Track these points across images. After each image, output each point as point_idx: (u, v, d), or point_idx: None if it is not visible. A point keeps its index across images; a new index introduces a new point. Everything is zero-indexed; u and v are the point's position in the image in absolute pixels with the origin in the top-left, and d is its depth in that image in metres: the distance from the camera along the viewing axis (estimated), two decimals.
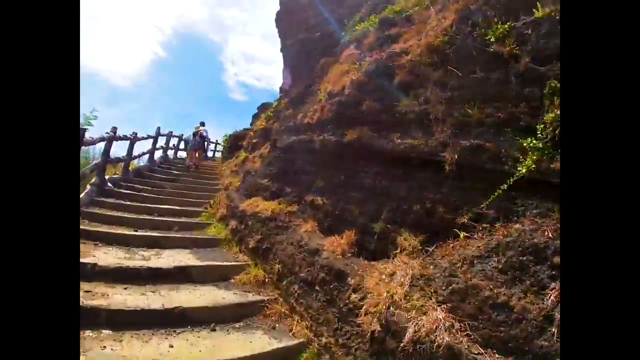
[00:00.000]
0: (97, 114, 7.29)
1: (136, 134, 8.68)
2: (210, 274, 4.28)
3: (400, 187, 3.26)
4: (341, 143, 3.99)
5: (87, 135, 5.55)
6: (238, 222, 5.59)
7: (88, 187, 6.50)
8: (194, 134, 11.93)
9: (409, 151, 3.21)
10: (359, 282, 2.86)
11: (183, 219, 6.42)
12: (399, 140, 3.33)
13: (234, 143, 12.21)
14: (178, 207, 6.95)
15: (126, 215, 5.88)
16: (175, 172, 10.31)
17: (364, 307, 2.64)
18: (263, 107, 17.36)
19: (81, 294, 3.15)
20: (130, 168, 8.74)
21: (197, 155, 11.83)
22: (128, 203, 6.55)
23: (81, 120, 6.34)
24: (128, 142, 8.39)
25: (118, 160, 7.94)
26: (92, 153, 9.91)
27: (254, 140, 9.11)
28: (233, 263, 4.74)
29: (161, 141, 11.72)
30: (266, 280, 4.24)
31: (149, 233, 5.32)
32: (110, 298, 3.22)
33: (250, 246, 4.91)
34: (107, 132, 7.08)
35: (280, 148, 5.76)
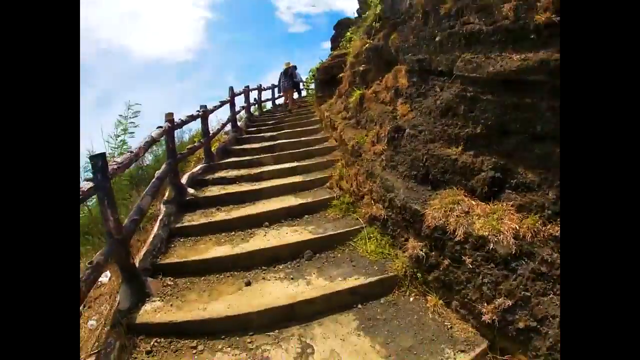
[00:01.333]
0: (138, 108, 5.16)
1: (205, 107, 6.29)
2: None
3: None
4: None
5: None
6: (427, 246, 2.85)
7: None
8: (284, 73, 10.73)
9: None
10: None
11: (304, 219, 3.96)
12: None
13: (325, 77, 9.13)
14: (283, 205, 4.49)
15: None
16: (268, 133, 7.87)
17: None
18: (342, 25, 13.92)
19: None
20: (213, 150, 6.57)
21: (290, 97, 10.99)
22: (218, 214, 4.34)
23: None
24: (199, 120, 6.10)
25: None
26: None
27: (360, 68, 5.91)
28: None
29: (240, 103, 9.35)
30: None
31: None
32: None
33: (481, 314, 2.20)
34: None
35: (462, 78, 2.64)
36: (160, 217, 4.27)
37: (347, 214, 4.07)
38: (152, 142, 3.89)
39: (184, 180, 5.23)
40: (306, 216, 4.21)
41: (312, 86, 13.43)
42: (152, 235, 3.92)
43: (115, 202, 2.94)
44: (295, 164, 5.74)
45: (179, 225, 4.21)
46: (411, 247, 2.95)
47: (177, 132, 8.05)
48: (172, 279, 3.42)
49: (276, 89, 13.08)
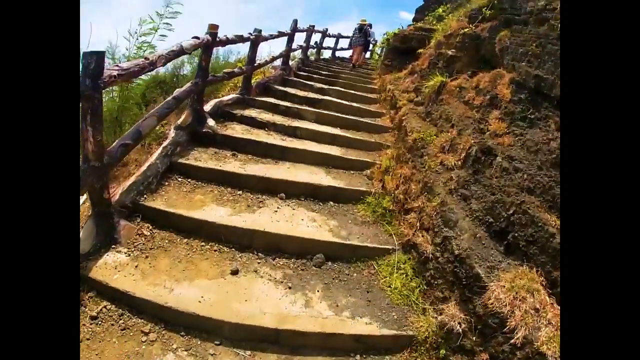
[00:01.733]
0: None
1: (260, 31, 5.31)
2: None
3: None
4: None
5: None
6: (470, 324, 2.08)
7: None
8: (359, 29, 10.15)
9: None
10: None
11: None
12: None
13: (401, 46, 7.88)
14: (310, 180, 3.69)
15: None
16: (319, 84, 6.89)
17: None
18: None
19: None
20: (253, 82, 5.71)
21: (357, 54, 10.30)
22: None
23: None
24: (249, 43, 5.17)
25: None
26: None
27: (449, 52, 4.77)
28: None
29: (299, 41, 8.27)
30: None
31: None
32: None
33: None
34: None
35: None
36: (164, 144, 3.56)
37: (380, 221, 3.28)
38: (179, 52, 3.05)
39: (207, 107, 4.45)
40: (331, 203, 3.44)
41: (378, 51, 12.28)
42: (147, 164, 3.25)
43: (102, 119, 2.21)
44: (337, 131, 4.86)
45: (182, 160, 3.50)
46: (448, 315, 2.17)
47: (223, 52, 7.25)
48: (150, 227, 2.78)
49: (340, 40, 12.62)
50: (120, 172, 3.85)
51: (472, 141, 3.11)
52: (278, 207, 3.19)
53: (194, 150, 3.80)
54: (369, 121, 5.37)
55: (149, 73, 3.57)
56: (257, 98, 5.39)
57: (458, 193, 2.86)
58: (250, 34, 5.09)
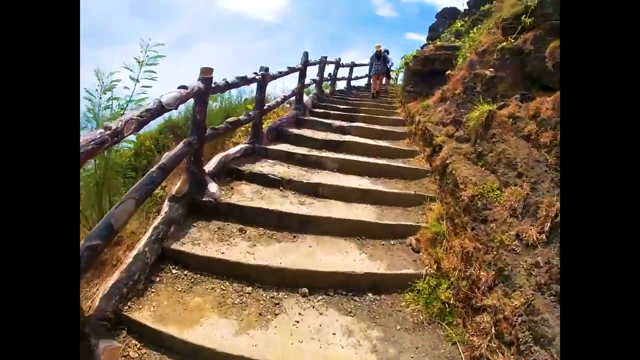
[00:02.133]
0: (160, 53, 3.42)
1: (267, 70, 4.65)
2: None
3: None
4: None
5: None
6: None
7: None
8: (377, 56, 9.56)
9: None
10: None
11: None
12: None
13: (423, 69, 7.12)
14: (340, 267, 2.83)
15: None
16: (337, 121, 6.15)
17: None
18: (446, 14, 12.98)
19: None
20: (265, 127, 5.01)
21: (379, 82, 9.87)
22: None
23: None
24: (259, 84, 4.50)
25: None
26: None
27: (486, 72, 3.96)
28: None
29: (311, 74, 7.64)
30: None
31: None
32: None
33: None
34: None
35: None
36: (154, 224, 2.83)
37: (439, 321, 2.38)
38: (157, 111, 2.30)
39: (211, 165, 3.74)
40: (370, 296, 2.57)
41: (393, 76, 11.77)
42: (132, 253, 2.53)
43: None
44: (367, 182, 4.03)
45: (177, 245, 2.76)
46: None
47: (236, 91, 6.64)
48: (138, 346, 2.07)
49: (354, 68, 12.20)
50: (109, 256, 3.13)
51: (557, 203, 2.21)
52: (300, 313, 2.34)
53: (193, 226, 3.06)
54: (402, 164, 4.52)
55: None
56: (269, 147, 4.67)
57: (551, 291, 1.95)
58: (255, 73, 4.42)
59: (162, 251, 2.73)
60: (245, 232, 3.05)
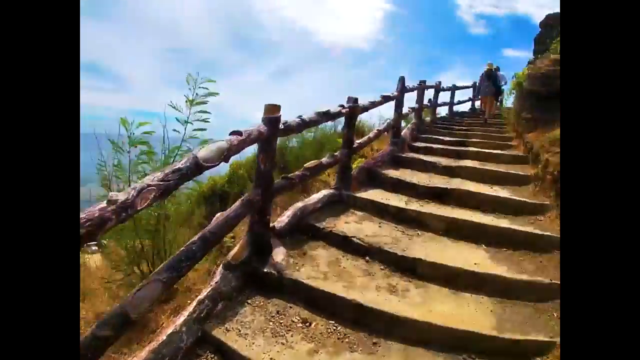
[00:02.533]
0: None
1: (355, 100, 3.91)
2: None
3: None
4: None
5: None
6: None
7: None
8: (487, 75, 8.76)
9: None
10: None
11: None
12: None
13: (542, 89, 5.59)
14: None
15: None
16: (443, 159, 5.07)
17: None
18: (551, 23, 12.48)
19: None
20: (354, 168, 4.26)
21: (489, 104, 9.06)
22: None
23: None
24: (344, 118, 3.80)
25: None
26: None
27: None
28: None
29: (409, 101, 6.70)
30: None
31: None
32: None
33: None
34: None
35: None
36: (199, 297, 2.24)
37: None
38: (190, 171, 1.70)
39: (284, 219, 3.10)
40: None
41: (502, 96, 10.27)
42: (168, 331, 2.00)
43: None
44: (484, 256, 2.87)
45: (221, 330, 2.13)
46: None
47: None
48: None
49: (456, 92, 11.07)
50: (154, 315, 2.68)
51: None
52: None
53: (247, 304, 2.39)
54: (531, 229, 3.16)
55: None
56: (358, 195, 3.86)
57: None
58: (342, 106, 3.70)
59: (202, 335, 2.11)
60: (310, 324, 2.23)
